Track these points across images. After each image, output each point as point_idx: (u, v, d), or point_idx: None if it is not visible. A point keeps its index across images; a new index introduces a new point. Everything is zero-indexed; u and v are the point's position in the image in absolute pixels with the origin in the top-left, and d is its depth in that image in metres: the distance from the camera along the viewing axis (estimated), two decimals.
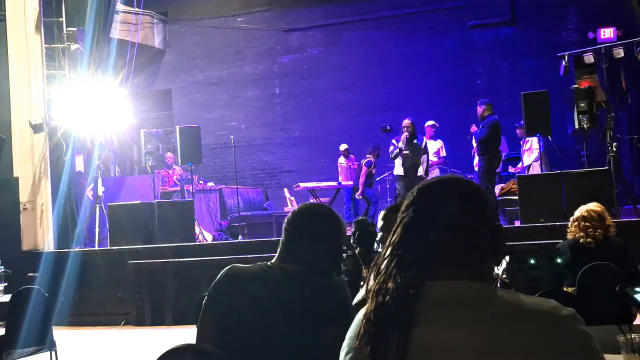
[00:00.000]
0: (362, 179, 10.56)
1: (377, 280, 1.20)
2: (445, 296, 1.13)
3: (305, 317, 2.04)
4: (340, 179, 11.23)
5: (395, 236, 1.21)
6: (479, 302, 1.11)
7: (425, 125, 10.22)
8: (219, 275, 2.15)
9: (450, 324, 1.09)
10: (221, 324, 2.08)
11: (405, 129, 9.09)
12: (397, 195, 9.37)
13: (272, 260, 2.17)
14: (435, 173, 9.98)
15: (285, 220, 2.21)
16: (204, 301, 2.14)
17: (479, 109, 9.18)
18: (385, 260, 1.20)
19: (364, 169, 10.59)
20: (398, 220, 1.23)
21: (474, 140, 9.38)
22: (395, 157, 9.15)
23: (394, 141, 9.29)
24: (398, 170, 9.20)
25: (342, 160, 11.34)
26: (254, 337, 2.05)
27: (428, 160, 9.23)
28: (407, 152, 9.04)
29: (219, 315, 2.09)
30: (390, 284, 1.16)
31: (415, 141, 9.09)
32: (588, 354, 1.07)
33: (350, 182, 11.02)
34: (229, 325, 2.07)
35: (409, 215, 1.21)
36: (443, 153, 10.33)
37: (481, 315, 1.09)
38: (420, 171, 9.03)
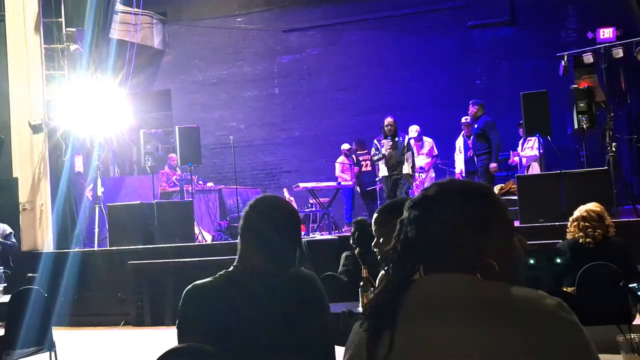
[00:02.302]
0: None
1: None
2: (431, 290, 1.14)
3: (286, 312, 2.03)
4: (339, 179, 11.22)
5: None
6: (465, 294, 1.11)
7: (409, 130, 10.15)
8: (182, 298, 2.17)
9: (439, 317, 1.09)
10: (203, 336, 2.07)
11: (388, 127, 9.07)
12: (386, 197, 9.16)
13: (234, 265, 2.14)
14: (431, 174, 9.99)
15: (241, 220, 2.18)
16: (176, 324, 2.14)
17: (474, 109, 9.34)
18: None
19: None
20: (403, 218, 1.24)
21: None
22: (378, 160, 9.15)
23: (375, 141, 9.27)
24: (383, 171, 9.18)
25: (342, 159, 11.32)
26: (240, 341, 2.03)
27: (413, 157, 9.20)
28: (389, 150, 9.00)
29: (197, 332, 2.10)
30: (386, 283, 1.18)
31: (396, 139, 9.07)
32: (577, 344, 1.06)
33: (350, 183, 11.01)
34: (211, 337, 2.05)
35: (410, 215, 1.22)
36: (435, 152, 10.36)
37: (468, 307, 1.09)
38: (406, 169, 8.99)
